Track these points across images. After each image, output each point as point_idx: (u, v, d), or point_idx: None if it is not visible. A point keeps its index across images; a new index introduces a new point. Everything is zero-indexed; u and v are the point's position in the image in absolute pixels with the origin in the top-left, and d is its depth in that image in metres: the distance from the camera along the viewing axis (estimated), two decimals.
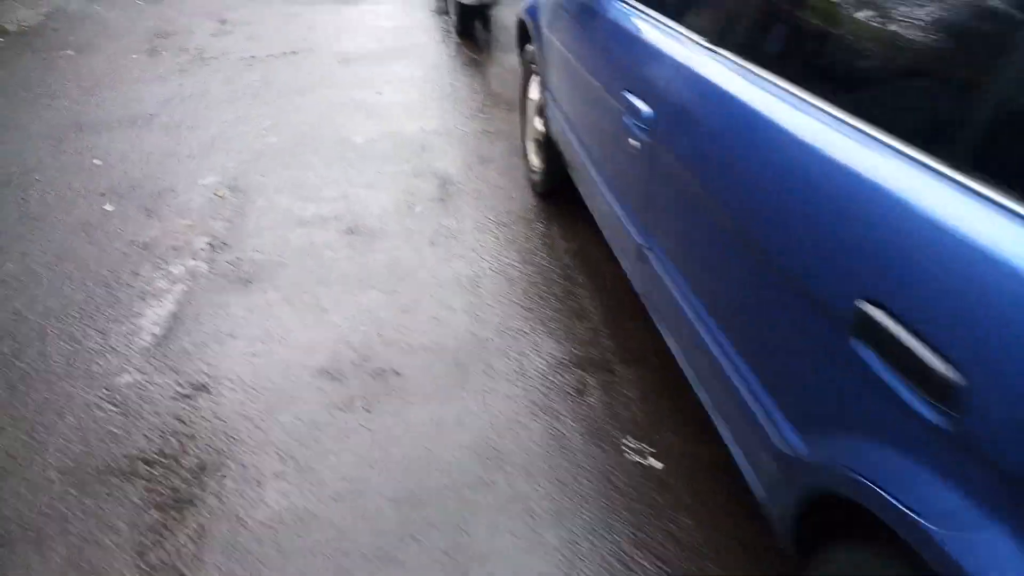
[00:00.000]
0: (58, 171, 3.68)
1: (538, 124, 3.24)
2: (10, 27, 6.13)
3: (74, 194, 3.46)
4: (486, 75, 4.98)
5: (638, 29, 1.90)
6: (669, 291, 1.72)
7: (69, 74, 5.08)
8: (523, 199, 3.38)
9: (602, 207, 2.25)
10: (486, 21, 5.65)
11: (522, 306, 2.66)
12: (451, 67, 5.16)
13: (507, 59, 5.17)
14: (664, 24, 1.81)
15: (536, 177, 3.33)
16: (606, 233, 2.38)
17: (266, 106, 4.48)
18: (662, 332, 1.95)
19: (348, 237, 3.08)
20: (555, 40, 2.66)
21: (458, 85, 4.80)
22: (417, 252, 2.99)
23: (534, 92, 3.29)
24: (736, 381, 1.48)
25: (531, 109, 3.34)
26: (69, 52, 5.56)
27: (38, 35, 6.00)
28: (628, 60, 1.88)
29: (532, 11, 3.08)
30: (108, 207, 3.34)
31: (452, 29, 5.96)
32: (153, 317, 2.61)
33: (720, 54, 1.52)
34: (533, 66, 3.23)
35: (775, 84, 1.34)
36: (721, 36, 1.54)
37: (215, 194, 3.44)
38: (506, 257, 2.95)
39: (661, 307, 1.85)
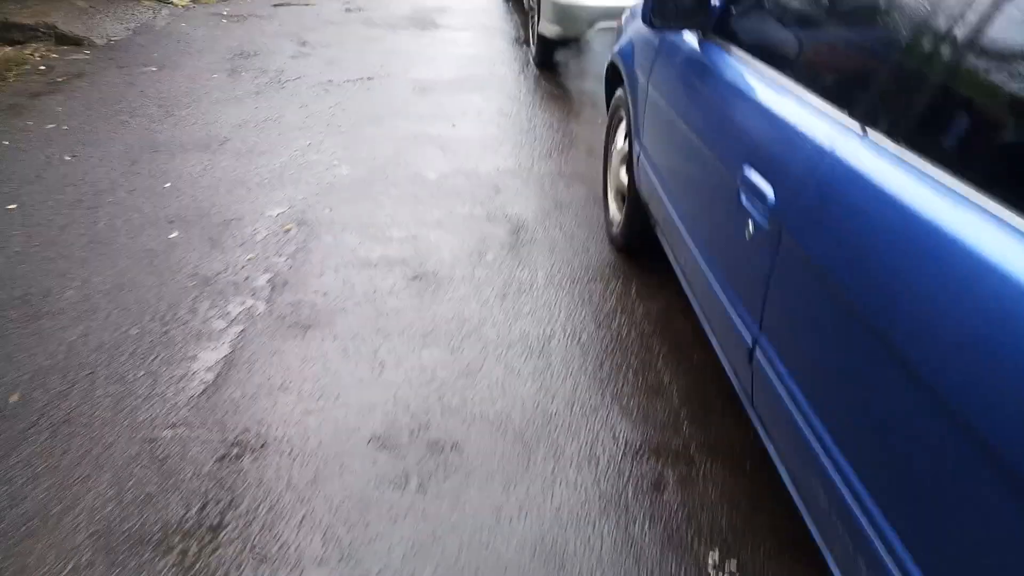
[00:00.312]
0: (128, 193, 3.64)
1: (622, 175, 3.02)
2: (98, 41, 6.27)
3: (142, 219, 3.40)
4: (566, 112, 4.80)
5: (766, 97, 1.67)
6: (780, 399, 1.47)
7: (149, 91, 5.12)
8: (600, 253, 3.16)
9: (700, 285, 2.01)
10: (569, 55, 5.48)
11: (595, 377, 2.44)
12: (530, 101, 5.00)
13: (589, 96, 4.98)
14: (798, 93, 1.57)
15: (616, 230, 3.11)
16: (702, 313, 2.14)
17: (339, 135, 4.39)
18: (763, 438, 1.70)
19: (414, 284, 2.91)
20: (652, 90, 2.44)
21: (536, 122, 4.63)
22: (485, 305, 2.80)
23: (620, 140, 3.08)
24: (863, 525, 1.22)
25: (615, 158, 3.13)
26: (151, 68, 5.62)
27: (123, 50, 6.11)
28: (751, 131, 1.65)
29: (625, 54, 2.88)
30: (174, 235, 3.26)
31: (532, 60, 5.81)
32: (206, 361, 2.48)
33: (874, 139, 1.28)
34: (621, 112, 3.02)
35: (943, 183, 1.09)
36: (878, 117, 1.30)
37: (282, 228, 3.33)
38: (579, 318, 2.73)
39: (767, 412, 1.60)
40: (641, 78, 2.60)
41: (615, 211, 3.19)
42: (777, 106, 1.60)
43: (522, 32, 6.64)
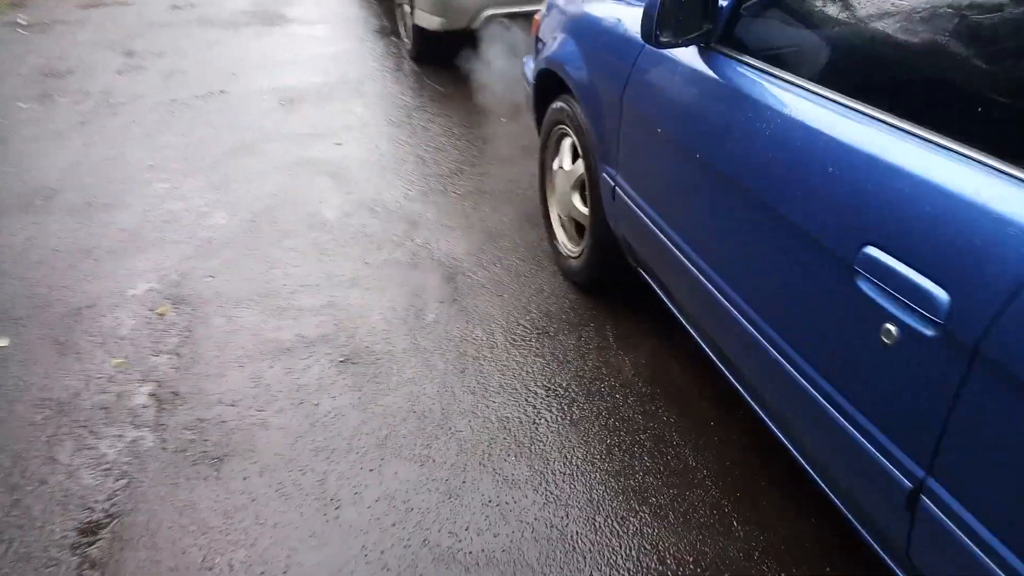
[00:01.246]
0: None
1: (576, 202, 2.54)
2: None
3: None
4: (463, 114, 4.24)
5: (896, 150, 1.21)
6: (976, 563, 1.05)
7: None
8: (558, 293, 2.67)
9: (763, 369, 1.56)
10: (449, 46, 4.87)
11: (608, 471, 1.96)
12: (418, 105, 4.38)
13: (482, 91, 4.43)
14: (949, 145, 1.13)
15: (574, 264, 2.63)
16: (753, 393, 1.70)
17: (203, 171, 3.61)
18: None
19: (347, 371, 2.31)
20: (633, 110, 1.96)
21: (434, 129, 4.04)
22: (444, 387, 2.24)
23: (567, 160, 2.59)
24: None
25: (562, 179, 2.63)
26: None
27: None
28: (871, 196, 1.19)
29: (570, 61, 2.37)
30: (2, 343, 2.46)
31: (406, 54, 5.17)
32: (80, 546, 1.79)
33: None
34: (565, 128, 2.52)
35: None
36: None
37: (154, 312, 2.59)
38: (562, 387, 2.24)
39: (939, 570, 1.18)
40: (607, 93, 2.11)
41: (566, 241, 2.71)
42: (916, 164, 1.15)
43: (386, 21, 5.95)
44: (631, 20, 2.06)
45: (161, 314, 2.58)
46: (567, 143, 2.58)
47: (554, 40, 2.59)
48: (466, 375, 2.29)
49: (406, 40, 5.15)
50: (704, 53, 1.72)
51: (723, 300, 1.66)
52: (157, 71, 5.03)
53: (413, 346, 2.41)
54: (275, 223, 3.14)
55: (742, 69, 1.61)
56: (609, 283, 2.59)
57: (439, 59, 4.95)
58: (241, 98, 4.53)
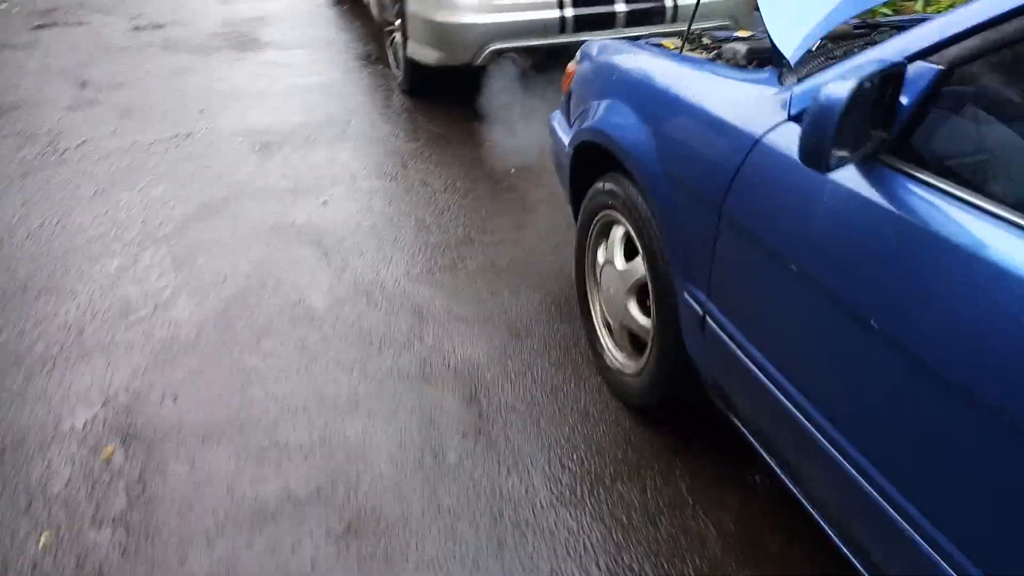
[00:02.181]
0: None
1: (635, 312, 2.02)
2: None
3: None
4: (466, 163, 3.71)
5: None
6: None
7: None
8: (608, 416, 2.15)
9: None
10: (452, 80, 4.34)
11: None
12: (413, 151, 3.85)
13: (486, 133, 3.91)
14: None
15: (630, 382, 2.11)
16: None
17: (163, 242, 3.04)
18: None
19: (349, 548, 1.77)
20: (752, 230, 1.44)
21: (434, 184, 3.51)
22: (477, 569, 1.72)
23: (619, 259, 2.07)
24: None
25: (611, 281, 2.11)
26: None
27: None
28: None
29: (626, 133, 1.86)
30: None
31: (396, 87, 4.63)
32: None
33: None
34: (621, 220, 2.01)
35: None
36: None
37: (96, 455, 2.03)
38: (633, 570, 1.72)
39: None
40: (694, 192, 1.60)
41: (615, 352, 2.19)
42: None
43: (372, 46, 5.40)
44: (728, 98, 1.56)
45: (106, 459, 2.02)
46: (618, 233, 2.07)
47: (599, 103, 2.07)
48: (505, 553, 1.76)
49: (396, 71, 4.61)
50: (868, 167, 1.21)
51: (878, 497, 1.17)
52: (113, 106, 4.44)
53: (433, 506, 1.88)
54: (251, 315, 2.58)
55: (931, 195, 1.11)
56: (679, 410, 2.08)
57: (435, 94, 4.42)
58: (210, 142, 3.96)
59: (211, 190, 3.44)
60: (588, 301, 2.34)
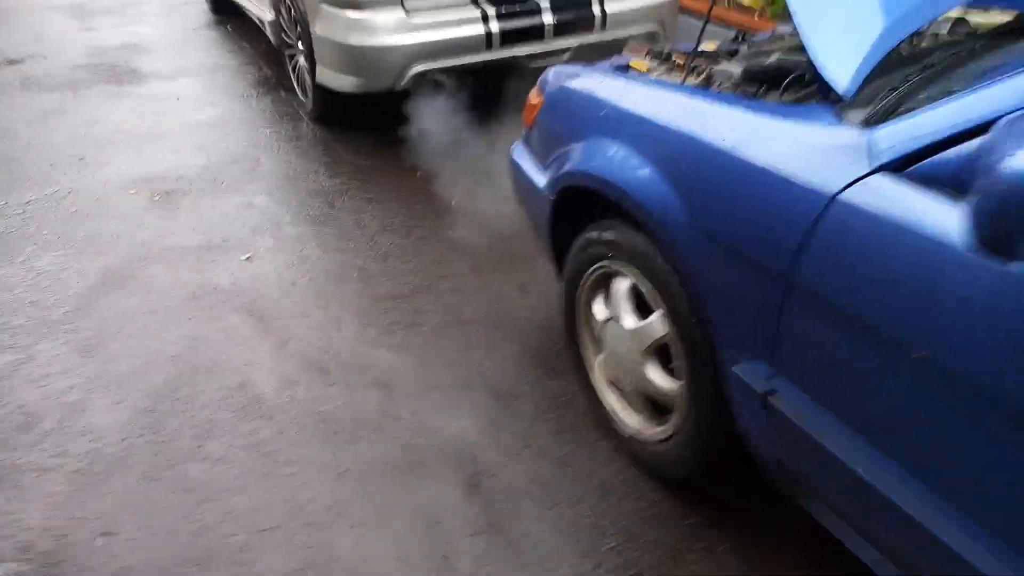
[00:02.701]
0: None
1: (656, 376, 1.77)
2: None
3: None
4: (401, 196, 3.38)
5: None
6: None
7: None
8: (631, 490, 1.89)
9: None
10: (365, 101, 3.97)
11: None
12: (339, 187, 3.47)
13: (416, 162, 3.59)
14: None
15: (656, 451, 1.86)
16: None
17: (60, 327, 2.55)
18: None
19: None
20: (844, 306, 1.21)
21: (371, 224, 3.16)
22: None
23: (625, 315, 1.82)
24: None
25: (619, 341, 1.85)
26: None
27: None
28: None
29: (633, 179, 1.62)
30: None
31: (304, 115, 4.23)
32: None
33: None
34: (610, 266, 1.77)
35: None
36: None
37: None
38: None
39: None
40: (746, 255, 1.37)
41: (628, 417, 1.95)
42: None
43: (268, 69, 4.95)
44: (777, 144, 1.34)
45: None
46: (622, 286, 1.83)
47: (587, 143, 1.83)
48: None
49: (303, 97, 4.20)
50: None
51: None
52: None
53: None
54: (186, 412, 2.18)
55: None
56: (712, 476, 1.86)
57: (350, 120, 4.05)
58: (98, 196, 3.44)
59: (110, 256, 2.97)
60: (584, 360, 2.09)
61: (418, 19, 3.37)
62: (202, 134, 4.07)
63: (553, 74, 2.11)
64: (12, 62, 5.28)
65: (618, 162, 1.67)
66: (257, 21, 4.76)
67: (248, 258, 2.94)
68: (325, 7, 3.49)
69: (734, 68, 1.82)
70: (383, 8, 3.35)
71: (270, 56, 5.02)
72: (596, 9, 3.64)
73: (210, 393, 2.25)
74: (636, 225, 1.71)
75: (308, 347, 2.44)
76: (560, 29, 3.59)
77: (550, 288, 2.64)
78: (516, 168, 2.28)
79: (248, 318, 2.59)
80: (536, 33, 3.56)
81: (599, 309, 1.95)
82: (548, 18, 3.55)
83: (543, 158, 2.10)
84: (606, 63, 2.27)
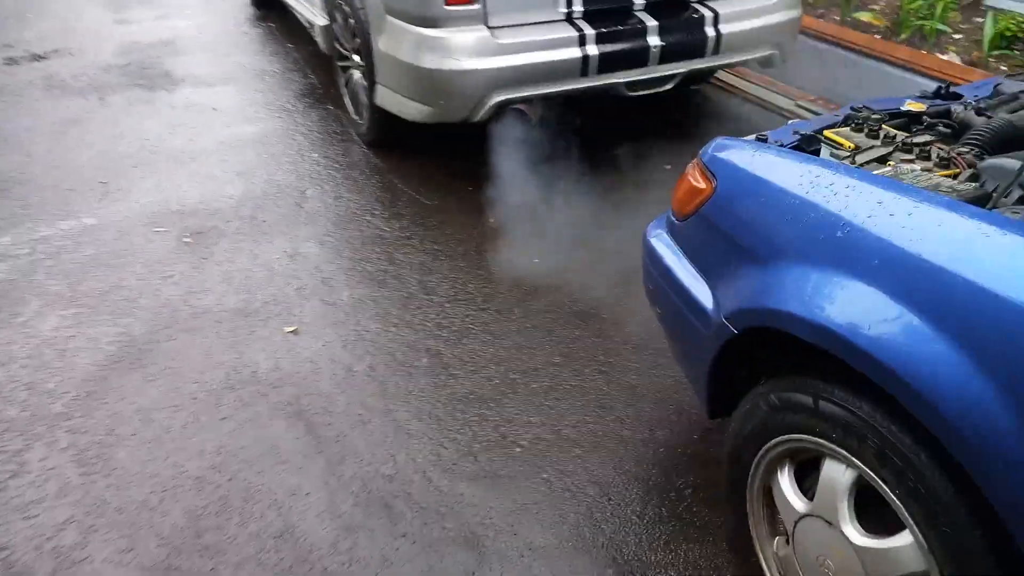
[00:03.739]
0: None
1: None
2: None
3: None
4: (471, 250, 2.84)
5: None
6: None
7: None
8: None
9: None
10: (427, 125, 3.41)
11: None
12: (398, 234, 2.94)
13: (494, 208, 3.04)
14: None
15: None
16: None
17: (58, 428, 2.04)
18: None
19: None
20: None
21: (437, 288, 2.61)
22: None
23: (847, 523, 1.26)
24: None
25: (821, 546, 1.30)
26: None
27: None
28: None
29: (916, 353, 1.05)
30: None
31: (355, 136, 3.69)
32: None
33: None
34: (827, 443, 1.21)
35: None
36: None
37: None
38: None
39: None
40: None
41: None
42: None
43: (315, 76, 4.42)
44: None
45: None
46: (839, 479, 1.25)
47: (803, 268, 1.26)
48: None
49: (355, 116, 3.66)
50: None
51: None
52: None
53: None
54: (213, 568, 1.66)
55: None
56: None
57: (409, 144, 3.51)
58: (120, 234, 2.94)
59: (129, 319, 2.46)
60: (751, 542, 1.53)
61: (504, 39, 2.81)
62: (241, 156, 3.56)
63: (724, 151, 1.54)
64: (37, 58, 4.81)
65: (880, 321, 1.10)
66: (305, 23, 4.22)
67: (294, 331, 2.42)
68: (393, 20, 2.94)
69: (1011, 163, 1.26)
70: (463, 25, 2.79)
71: (318, 61, 4.49)
72: (710, 30, 3.05)
73: (243, 541, 1.73)
74: (883, 402, 1.14)
75: (369, 471, 1.91)
76: (668, 53, 3.01)
77: (679, 402, 2.09)
78: (656, 263, 1.72)
79: (294, 423, 2.06)
80: (640, 58, 2.98)
81: (786, 492, 1.39)
82: (654, 40, 2.97)
83: (710, 265, 1.53)
84: (785, 130, 1.71)
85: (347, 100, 3.74)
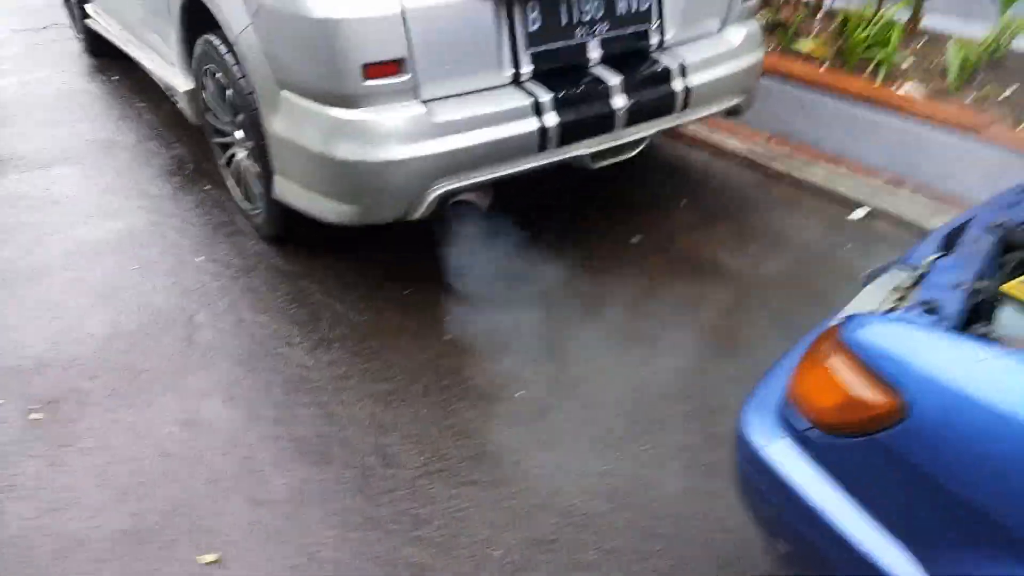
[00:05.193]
0: None
1: None
2: None
3: None
4: (422, 387, 2.22)
5: None
6: None
7: None
8: None
9: None
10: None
11: None
12: (330, 371, 2.27)
13: (448, 317, 2.44)
14: None
15: None
16: None
17: None
18: None
19: None
20: None
21: (401, 458, 1.98)
22: None
23: None
24: None
25: None
26: None
27: None
28: None
29: None
30: None
31: (247, 228, 2.97)
32: None
33: None
34: None
35: None
36: None
37: None
38: None
39: None
40: None
41: None
42: None
43: (180, 146, 3.62)
44: None
45: None
46: None
47: None
48: None
49: (245, 202, 2.93)
50: None
51: None
52: None
53: None
54: None
55: None
56: None
57: (318, 234, 2.82)
58: None
59: None
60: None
61: (442, 116, 2.20)
62: (99, 270, 2.76)
63: (893, 342, 1.03)
64: None
65: None
66: (162, 86, 3.42)
67: (215, 560, 1.72)
68: (290, 96, 2.27)
69: None
70: (389, 103, 2.16)
71: (181, 125, 3.67)
72: (677, 84, 2.58)
73: None
74: None
75: None
76: (635, 114, 2.51)
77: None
78: (792, 498, 1.17)
79: None
80: (605, 123, 2.47)
81: None
82: (619, 101, 2.46)
83: (909, 522, 1.02)
84: (940, 294, 1.22)
85: (229, 182, 3.00)
